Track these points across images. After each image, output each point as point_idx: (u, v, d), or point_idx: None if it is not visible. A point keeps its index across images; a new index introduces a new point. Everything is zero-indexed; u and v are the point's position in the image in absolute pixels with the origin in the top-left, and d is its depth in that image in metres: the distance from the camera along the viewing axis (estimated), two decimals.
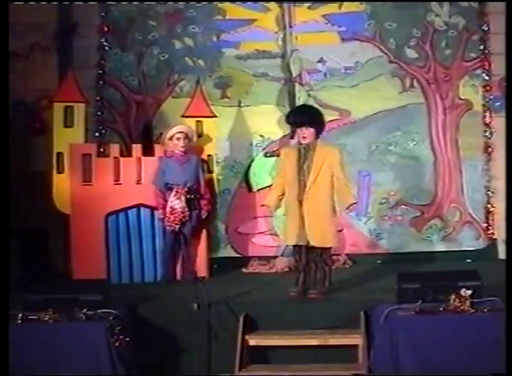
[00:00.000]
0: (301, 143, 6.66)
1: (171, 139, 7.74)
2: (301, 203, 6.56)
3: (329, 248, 6.70)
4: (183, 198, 7.54)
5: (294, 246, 6.73)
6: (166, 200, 7.61)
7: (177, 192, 7.55)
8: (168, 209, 7.53)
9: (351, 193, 6.72)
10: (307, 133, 6.61)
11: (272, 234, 8.82)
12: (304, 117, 6.71)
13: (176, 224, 7.52)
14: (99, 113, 8.87)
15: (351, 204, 6.63)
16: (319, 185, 6.55)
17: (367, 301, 6.20)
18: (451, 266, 7.61)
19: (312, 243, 6.56)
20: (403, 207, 8.86)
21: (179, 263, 7.73)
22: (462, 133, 8.88)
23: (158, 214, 7.68)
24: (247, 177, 8.96)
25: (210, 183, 8.08)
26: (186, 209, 7.53)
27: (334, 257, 7.61)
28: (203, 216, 7.81)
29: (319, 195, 6.55)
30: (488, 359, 5.42)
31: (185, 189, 7.57)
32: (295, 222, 6.59)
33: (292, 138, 6.82)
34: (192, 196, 7.62)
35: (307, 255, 6.67)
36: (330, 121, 8.64)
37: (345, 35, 8.98)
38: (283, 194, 6.73)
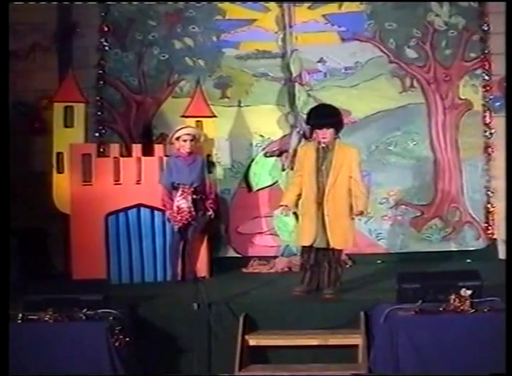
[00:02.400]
0: (319, 143, 6.60)
1: (177, 139, 7.73)
2: (320, 205, 6.51)
3: (342, 250, 6.70)
4: (189, 198, 7.52)
5: (306, 246, 6.69)
6: (172, 200, 7.59)
7: (183, 192, 7.53)
8: (175, 209, 7.52)
9: (364, 200, 6.58)
10: (327, 134, 6.54)
11: (272, 234, 8.82)
12: (326, 118, 6.62)
13: (183, 223, 7.52)
14: (99, 113, 8.87)
15: (360, 212, 6.55)
16: (339, 186, 6.49)
17: (367, 301, 6.20)
18: (451, 266, 7.62)
19: (333, 245, 6.53)
20: (403, 207, 8.86)
21: (181, 263, 7.72)
22: (462, 133, 8.88)
23: (166, 213, 7.66)
24: (247, 177, 8.96)
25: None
26: (193, 209, 7.52)
27: None
28: (211, 216, 7.78)
29: (338, 197, 6.49)
30: (488, 359, 5.41)
31: (192, 190, 7.55)
32: (313, 223, 6.53)
33: (310, 137, 6.78)
34: (199, 196, 7.61)
35: (316, 256, 6.65)
36: None
37: (345, 35, 8.98)
38: (301, 194, 6.65)
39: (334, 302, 6.39)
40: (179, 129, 7.79)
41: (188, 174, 7.62)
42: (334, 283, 6.63)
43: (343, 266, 6.73)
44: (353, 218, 6.61)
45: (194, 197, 7.57)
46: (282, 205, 6.72)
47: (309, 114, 6.92)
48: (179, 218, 7.52)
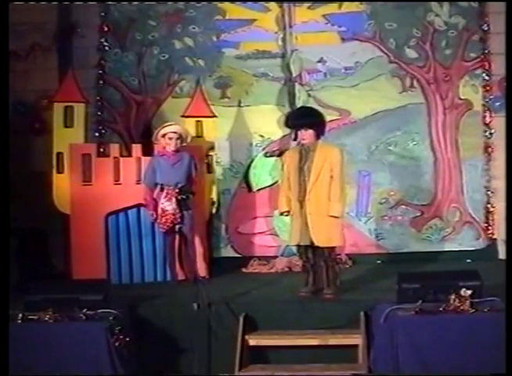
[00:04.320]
0: (302, 145, 6.67)
1: (163, 137, 7.55)
2: (301, 203, 6.56)
3: (334, 248, 6.69)
4: (174, 200, 7.28)
5: (301, 246, 6.71)
6: (155, 199, 7.41)
7: (167, 193, 7.33)
8: (159, 211, 7.34)
9: (337, 205, 6.54)
10: (306, 135, 6.60)
11: (272, 234, 8.83)
12: (301, 119, 6.70)
13: (168, 226, 7.35)
14: (99, 113, 8.89)
15: (332, 216, 6.55)
16: (320, 185, 6.54)
17: (367, 301, 6.19)
18: (451, 266, 7.61)
19: (316, 243, 6.55)
20: (403, 207, 8.87)
21: (179, 263, 7.70)
22: (462, 133, 8.88)
23: (148, 214, 7.53)
24: (247, 177, 8.97)
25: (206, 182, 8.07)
26: (178, 211, 7.28)
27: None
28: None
29: (320, 195, 6.53)
30: (488, 359, 5.41)
31: (176, 190, 7.31)
32: (297, 222, 6.60)
33: (295, 140, 6.83)
34: (185, 196, 7.33)
35: (314, 255, 6.67)
36: (330, 121, 8.63)
37: (345, 35, 8.99)
38: None
39: (334, 302, 6.39)
40: (165, 126, 7.61)
41: (173, 174, 7.39)
42: (334, 282, 6.63)
43: (339, 264, 6.70)
44: (336, 217, 6.61)
45: (179, 197, 7.30)
46: (283, 212, 6.79)
47: (287, 116, 7.01)
48: (164, 220, 7.32)
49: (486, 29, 8.80)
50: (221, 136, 8.77)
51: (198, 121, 8.25)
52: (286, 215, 6.81)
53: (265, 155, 8.93)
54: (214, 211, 8.22)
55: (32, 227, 8.31)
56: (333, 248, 6.67)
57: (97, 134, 8.81)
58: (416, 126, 8.91)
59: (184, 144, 7.60)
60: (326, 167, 6.56)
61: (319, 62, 8.98)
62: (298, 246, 6.75)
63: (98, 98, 8.89)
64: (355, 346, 5.97)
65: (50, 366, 5.53)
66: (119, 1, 9.02)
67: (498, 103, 8.70)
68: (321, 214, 6.53)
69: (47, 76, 8.78)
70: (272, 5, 9.03)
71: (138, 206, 7.88)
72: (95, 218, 7.79)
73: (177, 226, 7.36)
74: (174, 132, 7.53)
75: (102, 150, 8.29)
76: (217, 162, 8.54)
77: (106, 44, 8.98)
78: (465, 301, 5.57)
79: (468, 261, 8.47)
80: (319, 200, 6.54)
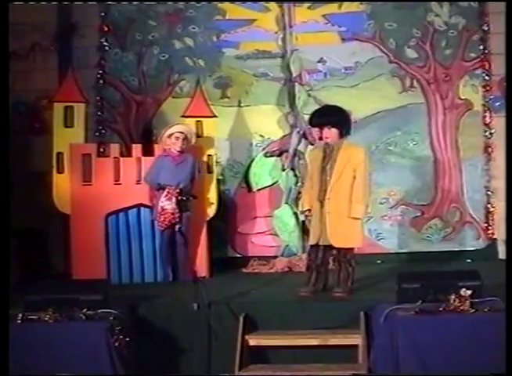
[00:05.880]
0: (326, 144, 6.65)
1: (169, 137, 7.67)
2: (322, 203, 6.53)
3: (352, 249, 6.66)
4: (174, 199, 7.39)
5: (311, 245, 6.68)
6: (155, 198, 7.52)
7: (168, 193, 7.42)
8: (159, 209, 7.43)
9: (359, 207, 6.50)
10: (329, 133, 6.57)
11: (272, 234, 8.83)
12: (324, 117, 6.67)
13: (166, 224, 7.42)
14: (99, 113, 8.88)
15: (353, 217, 6.53)
16: (341, 185, 6.49)
17: (367, 301, 6.19)
18: (451, 266, 7.62)
19: (333, 243, 6.52)
20: (403, 207, 8.88)
21: (179, 263, 7.70)
22: (462, 133, 8.89)
23: (151, 214, 7.62)
24: (247, 177, 8.96)
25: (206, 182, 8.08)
26: (177, 210, 7.38)
27: None
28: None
29: (340, 195, 6.49)
30: (488, 359, 5.41)
31: (177, 191, 7.42)
32: (317, 221, 6.57)
33: (320, 139, 6.81)
34: (185, 197, 7.47)
35: (324, 255, 6.65)
36: None
37: (345, 35, 8.99)
38: None
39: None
40: (172, 126, 7.73)
41: (175, 174, 7.50)
42: (345, 282, 6.60)
43: (353, 266, 6.66)
44: (358, 218, 6.60)
45: (179, 198, 7.41)
46: (304, 211, 6.83)
47: (311, 115, 6.98)
48: (162, 219, 7.41)
49: (486, 29, 8.81)
50: (221, 136, 8.76)
51: (198, 121, 8.23)
52: (307, 215, 6.80)
53: (265, 155, 8.93)
54: (214, 211, 8.20)
55: (32, 227, 8.31)
56: (349, 249, 6.62)
57: (97, 134, 8.81)
58: (416, 126, 8.91)
59: (189, 144, 7.66)
60: (348, 167, 6.51)
61: (319, 62, 8.99)
62: (311, 245, 6.70)
63: (98, 98, 8.89)
64: (355, 346, 5.96)
65: (50, 366, 5.52)
66: (119, 1, 9.02)
67: (498, 103, 8.70)
68: (340, 214, 6.49)
69: (47, 76, 8.78)
70: (272, 5, 9.04)
71: (138, 206, 7.89)
72: (95, 218, 7.79)
73: (176, 226, 7.40)
74: (181, 132, 7.62)
75: (102, 150, 8.30)
76: (217, 162, 8.54)
77: (106, 44, 8.98)
78: (465, 301, 5.56)
79: (468, 261, 8.48)
80: (339, 200, 6.49)
